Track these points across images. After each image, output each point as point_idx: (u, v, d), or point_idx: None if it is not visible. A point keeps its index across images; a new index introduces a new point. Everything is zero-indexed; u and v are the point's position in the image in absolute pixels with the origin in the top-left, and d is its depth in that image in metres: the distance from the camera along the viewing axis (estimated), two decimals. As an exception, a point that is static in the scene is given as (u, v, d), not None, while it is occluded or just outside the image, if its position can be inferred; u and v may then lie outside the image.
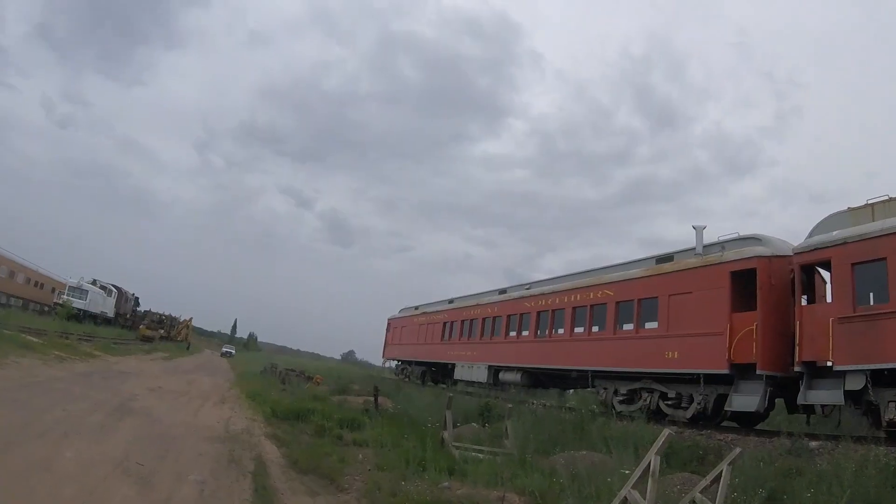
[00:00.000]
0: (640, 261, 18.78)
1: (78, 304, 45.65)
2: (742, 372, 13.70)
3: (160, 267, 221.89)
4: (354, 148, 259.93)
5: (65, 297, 45.51)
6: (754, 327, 13.43)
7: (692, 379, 14.94)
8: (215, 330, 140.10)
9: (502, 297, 24.81)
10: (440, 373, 30.06)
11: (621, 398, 17.09)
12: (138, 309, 69.94)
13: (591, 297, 19.21)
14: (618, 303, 18.09)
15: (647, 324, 17.14)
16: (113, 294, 57.48)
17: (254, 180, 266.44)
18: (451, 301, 30.61)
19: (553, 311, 20.95)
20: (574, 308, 19.93)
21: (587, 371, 18.35)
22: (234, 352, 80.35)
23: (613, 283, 18.46)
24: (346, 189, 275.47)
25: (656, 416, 15.69)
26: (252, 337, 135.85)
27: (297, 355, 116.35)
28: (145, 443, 8.21)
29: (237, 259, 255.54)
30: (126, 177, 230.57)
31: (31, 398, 9.67)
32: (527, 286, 23.98)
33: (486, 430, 14.53)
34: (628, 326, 17.81)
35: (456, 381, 26.92)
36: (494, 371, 23.59)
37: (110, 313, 56.37)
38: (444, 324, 29.21)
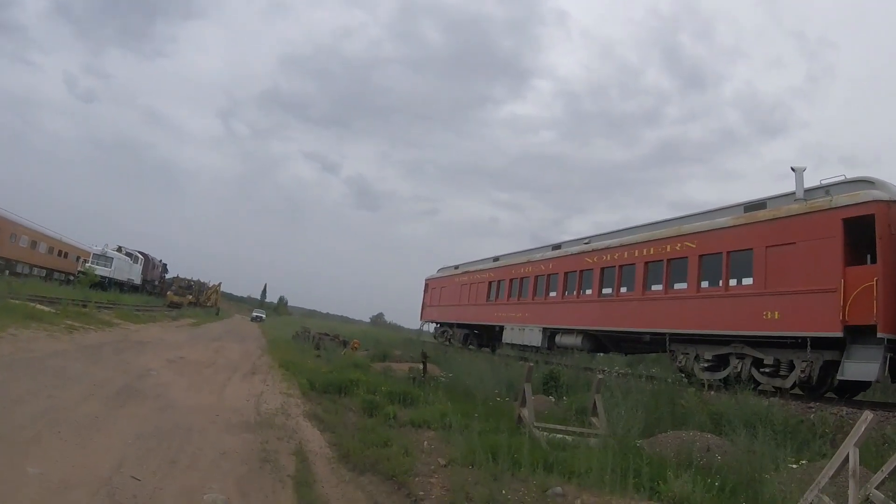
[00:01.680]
0: (722, 209, 16.54)
1: (102, 271, 44.72)
2: (856, 335, 11.84)
3: (189, 235, 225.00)
4: (379, 112, 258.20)
5: (88, 264, 44.56)
6: (874, 283, 11.46)
7: (794, 343, 13.02)
8: (245, 295, 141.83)
9: (557, 252, 22.55)
10: (485, 336, 28.17)
11: (705, 365, 15.12)
12: (166, 276, 69.46)
13: (669, 250, 16.94)
14: (701, 256, 15.89)
15: (738, 280, 15.15)
16: (139, 261, 56.66)
17: (279, 147, 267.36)
18: (496, 259, 28.46)
19: (620, 266, 18.69)
20: (647, 263, 17.68)
21: (664, 334, 16.35)
22: (264, 316, 79.57)
23: (696, 234, 16.17)
24: (372, 153, 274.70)
25: (746, 384, 13.63)
26: (282, 301, 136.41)
27: (327, 319, 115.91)
28: (150, 442, 6.19)
29: (265, 225, 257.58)
30: (151, 148, 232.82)
31: (11, 381, 7.70)
32: (585, 240, 21.68)
33: (562, 404, 12.47)
34: (715, 283, 15.74)
35: (503, 345, 25.08)
36: (550, 334, 21.58)
37: (137, 280, 55.66)
38: (490, 283, 27.14)
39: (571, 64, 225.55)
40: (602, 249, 19.61)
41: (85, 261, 46.38)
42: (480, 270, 28.78)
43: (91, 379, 8.98)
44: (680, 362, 15.95)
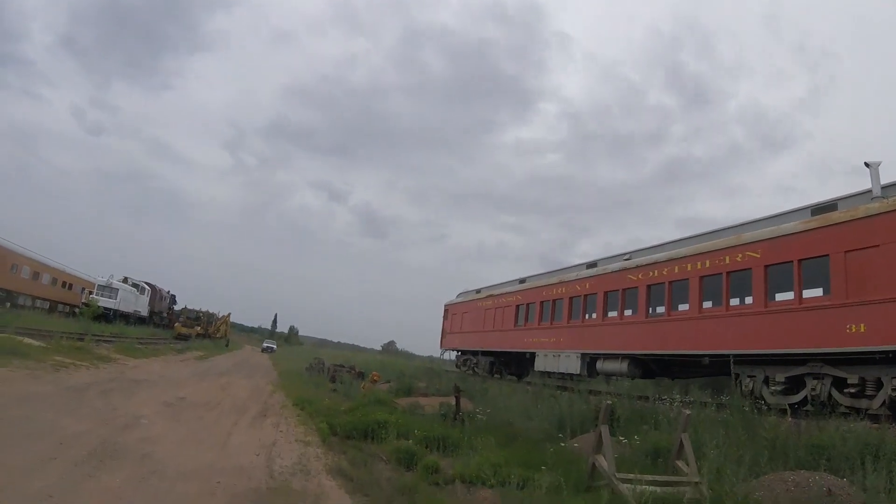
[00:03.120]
0: (785, 214, 14.91)
1: (107, 303, 43.45)
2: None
3: (198, 266, 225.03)
4: (383, 140, 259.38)
5: (92, 296, 43.24)
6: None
7: (882, 358, 11.40)
8: (255, 325, 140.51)
9: (594, 271, 20.77)
10: (514, 364, 26.25)
11: (777, 387, 13.40)
12: (175, 307, 68.10)
13: (728, 261, 15.24)
14: (767, 266, 14.20)
15: (812, 290, 13.43)
16: (146, 292, 55.37)
17: (285, 177, 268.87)
18: (522, 280, 26.68)
19: (670, 283, 16.91)
20: (702, 277, 15.95)
21: (727, 356, 14.57)
22: (275, 347, 77.67)
23: (760, 243, 14.51)
24: (377, 181, 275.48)
25: (824, 408, 11.92)
26: (293, 331, 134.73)
27: (339, 348, 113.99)
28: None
29: (274, 255, 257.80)
30: (159, 179, 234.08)
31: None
32: (625, 256, 19.91)
33: (627, 444, 10.68)
34: (785, 295, 13.98)
35: (534, 373, 23.22)
36: (589, 360, 19.70)
37: (144, 312, 54.33)
38: (518, 307, 25.29)
39: (575, 86, 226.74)
40: (648, 265, 17.84)
41: (90, 292, 45.07)
42: (506, 293, 26.94)
43: (60, 434, 7.25)
44: (746, 386, 14.15)
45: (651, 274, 17.65)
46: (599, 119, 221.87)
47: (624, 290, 18.65)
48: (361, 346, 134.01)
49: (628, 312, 18.64)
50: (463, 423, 12.61)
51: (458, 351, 32.68)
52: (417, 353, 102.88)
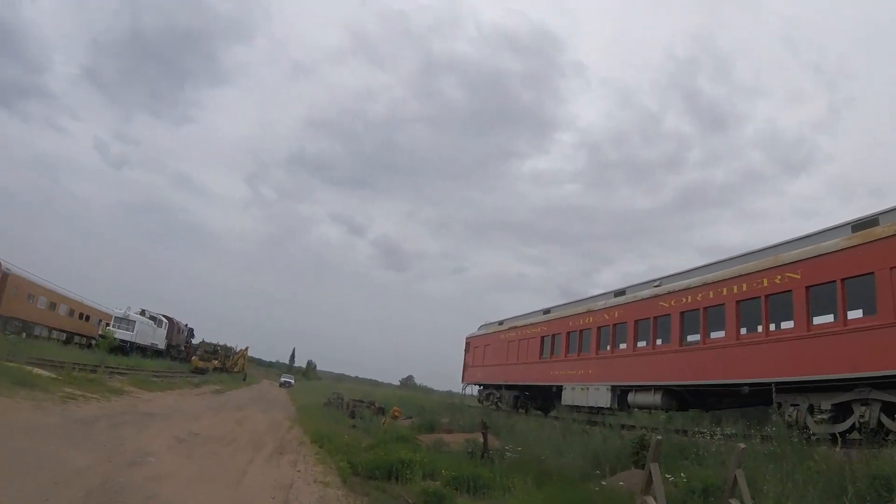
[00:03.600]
0: (824, 232, 14.22)
1: (124, 335, 43.22)
2: None
3: (217, 300, 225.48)
4: (403, 171, 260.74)
5: (109, 327, 43.06)
6: None
7: None
8: (273, 360, 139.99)
9: (623, 299, 20.04)
10: (540, 397, 25.31)
11: (823, 416, 12.57)
12: (192, 340, 67.88)
13: (766, 284, 14.58)
14: (808, 287, 13.50)
15: (856, 311, 12.79)
16: (164, 325, 55.19)
17: (305, 210, 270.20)
18: (546, 311, 25.94)
19: (705, 309, 16.19)
20: (738, 302, 15.26)
21: (768, 384, 13.71)
22: (293, 381, 76.83)
23: (799, 263, 13.87)
24: (397, 213, 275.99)
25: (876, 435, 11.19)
26: (311, 365, 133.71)
27: (357, 382, 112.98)
28: None
29: (293, 288, 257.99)
30: (181, 212, 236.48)
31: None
32: (655, 282, 19.21)
33: (672, 482, 9.93)
34: (827, 318, 13.31)
35: (561, 407, 22.35)
36: (620, 392, 18.85)
37: (161, 345, 54.07)
38: (543, 338, 24.50)
39: (592, 114, 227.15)
40: (680, 291, 17.12)
41: (106, 324, 44.93)
42: (530, 325, 26.14)
43: (60, 469, 6.68)
44: (790, 416, 13.29)
45: (684, 300, 16.92)
46: (617, 147, 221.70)
47: (655, 317, 17.91)
48: (379, 380, 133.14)
49: (660, 341, 17.88)
50: (493, 462, 11.89)
51: (480, 385, 31.79)
52: (436, 387, 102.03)
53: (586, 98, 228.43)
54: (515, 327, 27.62)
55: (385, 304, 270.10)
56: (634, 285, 20.49)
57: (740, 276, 15.32)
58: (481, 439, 13.70)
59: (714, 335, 16.12)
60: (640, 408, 17.98)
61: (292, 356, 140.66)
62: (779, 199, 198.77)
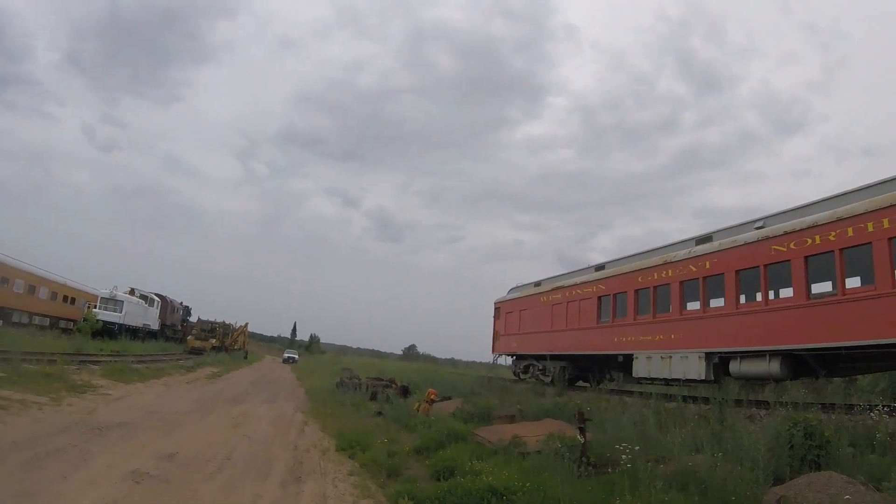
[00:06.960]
0: None
1: (111, 317, 40.09)
2: None
3: (215, 280, 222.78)
4: (395, 143, 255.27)
5: (95, 309, 39.75)
6: None
7: None
8: (275, 335, 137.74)
9: (712, 246, 16.59)
10: (596, 368, 21.97)
11: None
12: (189, 319, 64.77)
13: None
14: None
15: None
16: (156, 304, 51.99)
17: (298, 185, 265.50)
18: (600, 267, 22.49)
19: (841, 250, 12.73)
20: (891, 239, 11.80)
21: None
22: (297, 357, 73.58)
23: None
24: (391, 185, 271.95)
25: None
26: (314, 339, 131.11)
27: (359, 354, 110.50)
28: None
29: (290, 263, 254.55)
30: (173, 194, 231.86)
31: None
32: (756, 223, 15.71)
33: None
34: None
35: (625, 380, 19.08)
36: (718, 360, 15.55)
37: (154, 325, 51.00)
38: (600, 298, 21.08)
39: (584, 78, 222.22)
40: (804, 230, 13.65)
41: (91, 306, 41.60)
42: (581, 284, 22.69)
43: None
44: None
45: (807, 242, 13.50)
46: (610, 110, 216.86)
47: (766, 265, 14.50)
48: (382, 350, 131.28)
49: (774, 295, 14.53)
50: (606, 472, 8.55)
51: (513, 355, 28.41)
52: (440, 356, 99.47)
53: (578, 61, 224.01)
54: (560, 287, 24.11)
55: (383, 275, 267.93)
56: (724, 229, 16.99)
57: (883, 208, 11.91)
58: (572, 434, 10.39)
59: (854, 284, 12.80)
60: (749, 379, 14.71)
61: (293, 330, 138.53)
62: (774, 159, 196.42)
